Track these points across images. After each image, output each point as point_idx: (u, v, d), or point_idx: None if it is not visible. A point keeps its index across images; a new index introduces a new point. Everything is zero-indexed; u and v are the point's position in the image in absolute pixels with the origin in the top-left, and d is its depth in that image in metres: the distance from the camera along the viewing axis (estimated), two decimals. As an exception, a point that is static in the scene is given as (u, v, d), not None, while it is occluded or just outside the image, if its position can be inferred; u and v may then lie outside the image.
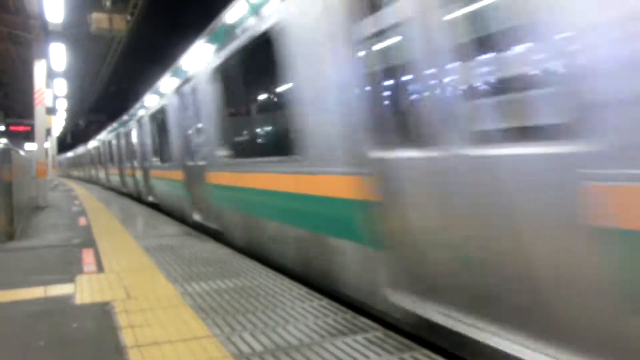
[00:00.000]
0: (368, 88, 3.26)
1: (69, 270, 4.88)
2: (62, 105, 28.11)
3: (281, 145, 4.50)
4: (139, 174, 13.58)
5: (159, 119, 10.48)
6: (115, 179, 19.04)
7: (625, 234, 1.83)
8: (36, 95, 12.65)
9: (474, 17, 2.52)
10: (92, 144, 27.68)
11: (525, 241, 2.22)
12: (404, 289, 3.06)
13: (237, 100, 6.07)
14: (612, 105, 1.82)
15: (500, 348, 2.36)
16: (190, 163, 8.02)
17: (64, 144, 51.37)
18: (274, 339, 2.90)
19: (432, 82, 2.68)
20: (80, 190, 20.22)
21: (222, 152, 6.21)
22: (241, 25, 5.14)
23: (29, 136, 29.32)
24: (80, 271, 4.84)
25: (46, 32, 13.13)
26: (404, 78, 2.99)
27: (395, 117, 3.09)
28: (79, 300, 3.84)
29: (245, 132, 6.16)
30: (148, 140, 11.90)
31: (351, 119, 3.39)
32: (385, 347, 2.73)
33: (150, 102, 11.35)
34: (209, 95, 6.54)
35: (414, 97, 2.92)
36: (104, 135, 21.91)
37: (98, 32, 16.56)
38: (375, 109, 3.21)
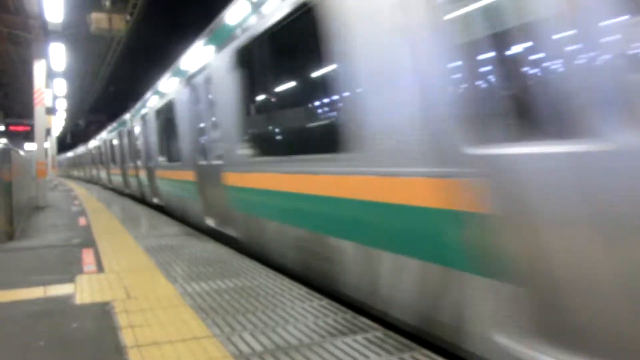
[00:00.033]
0: (460, 63, 2.47)
1: (69, 270, 4.88)
2: (62, 105, 28.10)
3: (331, 139, 3.64)
4: (143, 175, 12.81)
5: (166, 115, 9.60)
6: (117, 179, 18.56)
7: None
8: (36, 95, 12.66)
9: None
10: (93, 143, 27.37)
11: None
12: (529, 336, 2.25)
13: (267, 87, 5.06)
14: None
15: None
16: (202, 162, 7.28)
17: (63, 144, 51.45)
18: (274, 339, 2.90)
19: (579, 46, 1.93)
20: (80, 191, 20.22)
21: (245, 150, 5.42)
22: None
23: (29, 136, 29.38)
24: (80, 271, 4.84)
25: (46, 32, 13.14)
26: (530, 44, 2.22)
27: (513, 102, 2.31)
28: (79, 300, 3.84)
29: (278, 125, 5.07)
30: (153, 138, 11.01)
31: (437, 105, 2.59)
32: (385, 347, 2.73)
33: (155, 97, 10.60)
34: (229, 82, 5.67)
35: (545, 72, 2.17)
36: (106, 134, 21.46)
37: (97, 32, 16.62)
38: (475, 91, 2.45)
